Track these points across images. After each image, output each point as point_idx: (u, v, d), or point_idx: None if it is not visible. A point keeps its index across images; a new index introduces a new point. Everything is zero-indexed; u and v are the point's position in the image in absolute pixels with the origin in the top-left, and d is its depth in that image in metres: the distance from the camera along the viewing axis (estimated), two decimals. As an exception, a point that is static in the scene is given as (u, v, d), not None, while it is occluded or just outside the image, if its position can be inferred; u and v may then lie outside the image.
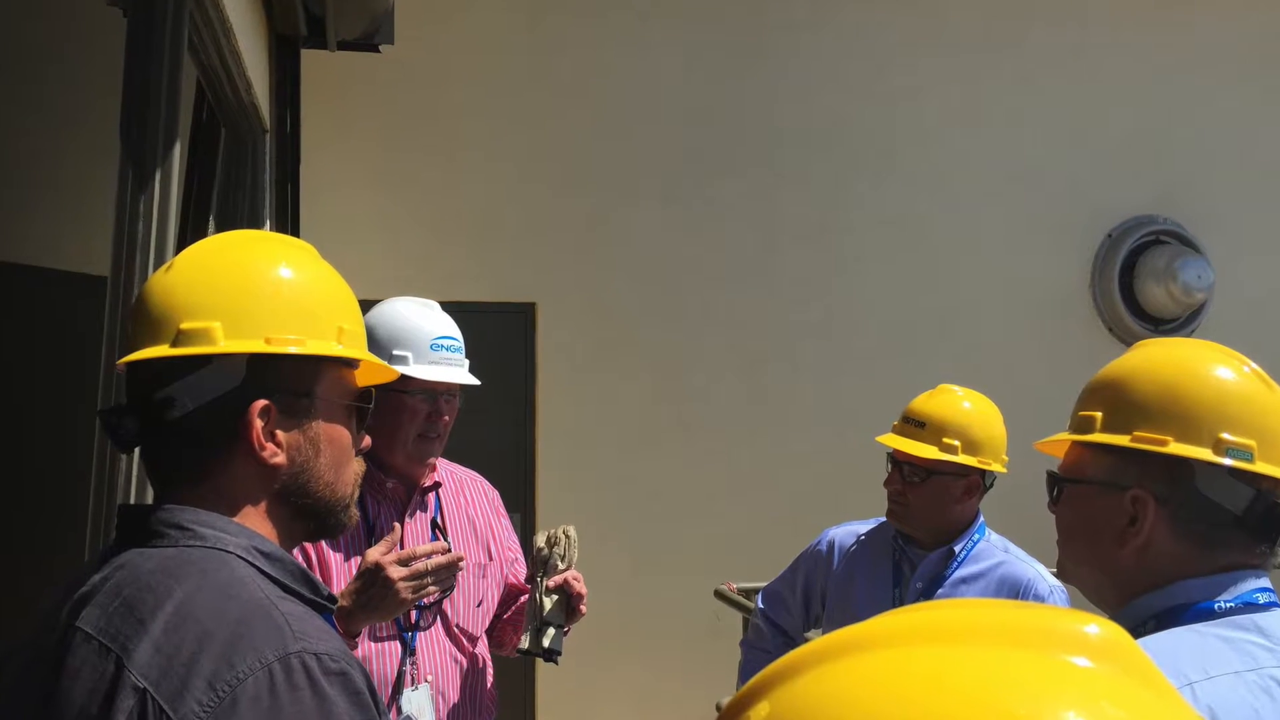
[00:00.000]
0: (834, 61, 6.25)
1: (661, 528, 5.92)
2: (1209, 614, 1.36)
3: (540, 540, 2.52)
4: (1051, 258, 6.49)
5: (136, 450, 1.62)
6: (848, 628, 0.56)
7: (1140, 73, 6.60)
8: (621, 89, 6.02)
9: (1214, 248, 6.61)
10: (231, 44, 2.90)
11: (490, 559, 2.60)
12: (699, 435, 6.02)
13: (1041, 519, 1.71)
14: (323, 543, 2.30)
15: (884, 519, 2.90)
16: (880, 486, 2.86)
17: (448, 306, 2.58)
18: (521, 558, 2.73)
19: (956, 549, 2.79)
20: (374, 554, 2.17)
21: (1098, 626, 0.54)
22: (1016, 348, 6.31)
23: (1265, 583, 1.41)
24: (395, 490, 2.46)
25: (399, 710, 2.33)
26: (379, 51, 4.82)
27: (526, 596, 2.56)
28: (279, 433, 1.34)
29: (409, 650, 2.38)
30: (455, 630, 2.47)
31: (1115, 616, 1.43)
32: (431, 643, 2.43)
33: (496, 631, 2.67)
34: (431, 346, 2.42)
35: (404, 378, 2.29)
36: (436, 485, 2.54)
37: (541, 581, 2.47)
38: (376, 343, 2.35)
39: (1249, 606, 1.37)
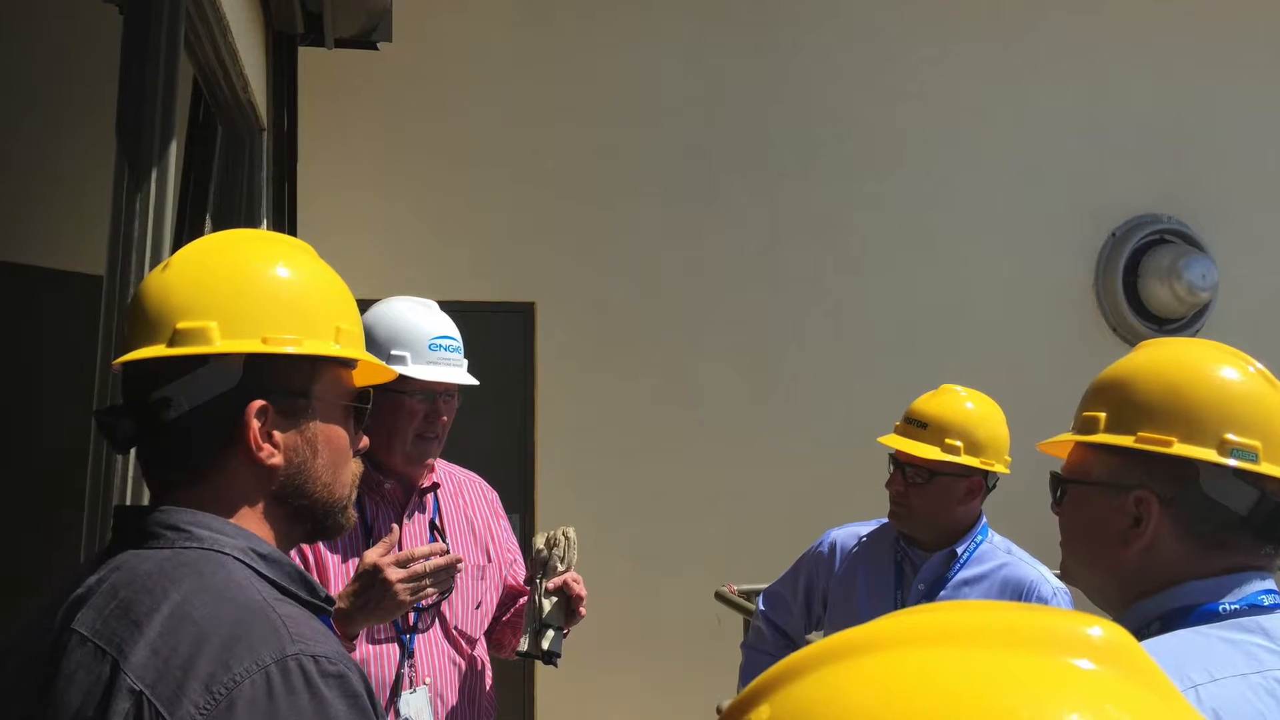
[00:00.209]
0: (836, 58, 6.24)
1: (662, 529, 5.91)
2: (1213, 616, 1.35)
3: (539, 542, 2.51)
4: (1055, 256, 6.48)
5: (132, 451, 1.61)
6: (849, 630, 0.56)
7: (1146, 70, 6.59)
8: (622, 87, 6.01)
9: (1219, 247, 6.60)
10: (228, 42, 2.89)
11: (489, 560, 2.60)
12: (699, 436, 6.01)
13: (1045, 520, 1.70)
14: (320, 544, 2.29)
15: (886, 520, 2.89)
16: (882, 487, 2.85)
17: (446, 306, 2.57)
18: (520, 559, 2.72)
19: (959, 550, 2.78)
20: (372, 555, 2.16)
21: (1101, 629, 0.54)
22: (1019, 347, 6.31)
23: (1270, 584, 1.40)
24: (393, 491, 2.45)
25: (397, 713, 2.32)
26: (377, 49, 4.82)
27: (525, 598, 2.55)
28: (276, 433, 1.34)
29: (407, 652, 2.37)
30: (454, 632, 2.46)
31: (1119, 618, 1.42)
32: (430, 645, 2.42)
33: (495, 634, 2.66)
34: (430, 346, 2.41)
35: (402, 378, 2.28)
36: (435, 486, 2.53)
37: (541, 583, 2.46)
38: (374, 343, 2.35)
39: (1254, 608, 1.36)
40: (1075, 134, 6.51)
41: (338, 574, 2.32)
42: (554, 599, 2.46)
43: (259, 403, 1.32)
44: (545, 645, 2.43)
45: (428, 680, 2.39)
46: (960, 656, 0.52)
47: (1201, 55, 6.65)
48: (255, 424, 1.32)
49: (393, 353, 2.37)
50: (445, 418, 2.45)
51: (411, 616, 2.38)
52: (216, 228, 3.46)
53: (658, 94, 6.03)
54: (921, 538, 2.82)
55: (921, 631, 0.55)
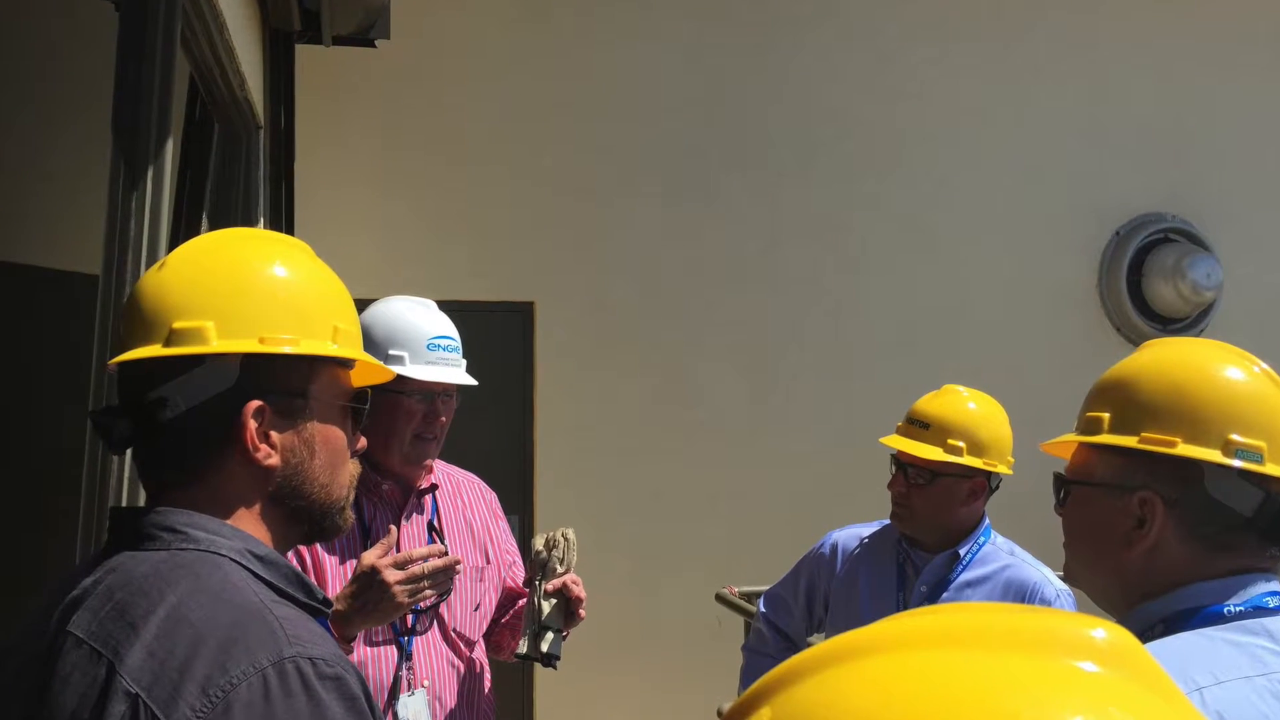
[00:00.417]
0: (836, 58, 6.23)
1: (662, 530, 5.90)
2: (1218, 618, 1.35)
3: (539, 543, 2.50)
4: (1058, 256, 6.48)
5: (128, 451, 1.60)
6: (851, 632, 0.56)
7: (1149, 68, 6.59)
8: (622, 86, 6.01)
9: (1223, 246, 6.59)
10: (225, 39, 2.89)
11: (488, 562, 2.59)
12: (700, 436, 6.00)
13: (1048, 521, 1.69)
14: (318, 546, 2.28)
15: (887, 521, 2.88)
16: (883, 488, 2.84)
17: (445, 305, 2.57)
18: (519, 561, 2.71)
19: (961, 552, 2.77)
20: (370, 557, 2.15)
21: (1105, 631, 0.54)
22: (1022, 347, 6.30)
23: (1275, 586, 1.39)
24: (391, 492, 2.44)
25: (395, 716, 2.31)
26: (375, 47, 4.82)
27: (525, 600, 2.54)
28: (273, 434, 1.33)
29: (405, 655, 2.36)
30: (452, 635, 2.45)
31: (1123, 620, 1.41)
32: (428, 647, 2.41)
33: (494, 636, 2.66)
34: (428, 346, 2.40)
35: (400, 378, 2.28)
36: (433, 487, 2.52)
37: (540, 585, 2.45)
38: (372, 342, 2.34)
39: (1259, 610, 1.35)
40: (1075, 134, 6.50)
41: (335, 576, 2.31)
42: (553, 601, 2.45)
43: (256, 403, 1.31)
44: (544, 647, 2.42)
45: (426, 683, 2.38)
46: (963, 659, 0.52)
47: (1201, 55, 6.64)
48: (252, 424, 1.31)
49: (391, 353, 2.36)
50: (444, 418, 2.44)
51: (410, 619, 2.37)
52: (213, 226, 3.45)
53: (657, 93, 6.03)
54: (924, 539, 2.81)
55: (924, 634, 0.54)
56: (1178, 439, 1.39)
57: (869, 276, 6.25)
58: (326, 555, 2.32)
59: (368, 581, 2.13)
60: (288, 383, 1.35)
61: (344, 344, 1.39)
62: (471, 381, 2.46)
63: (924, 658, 0.53)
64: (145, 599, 1.21)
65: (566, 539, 2.50)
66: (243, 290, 1.34)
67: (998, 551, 2.79)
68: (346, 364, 1.42)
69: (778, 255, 6.15)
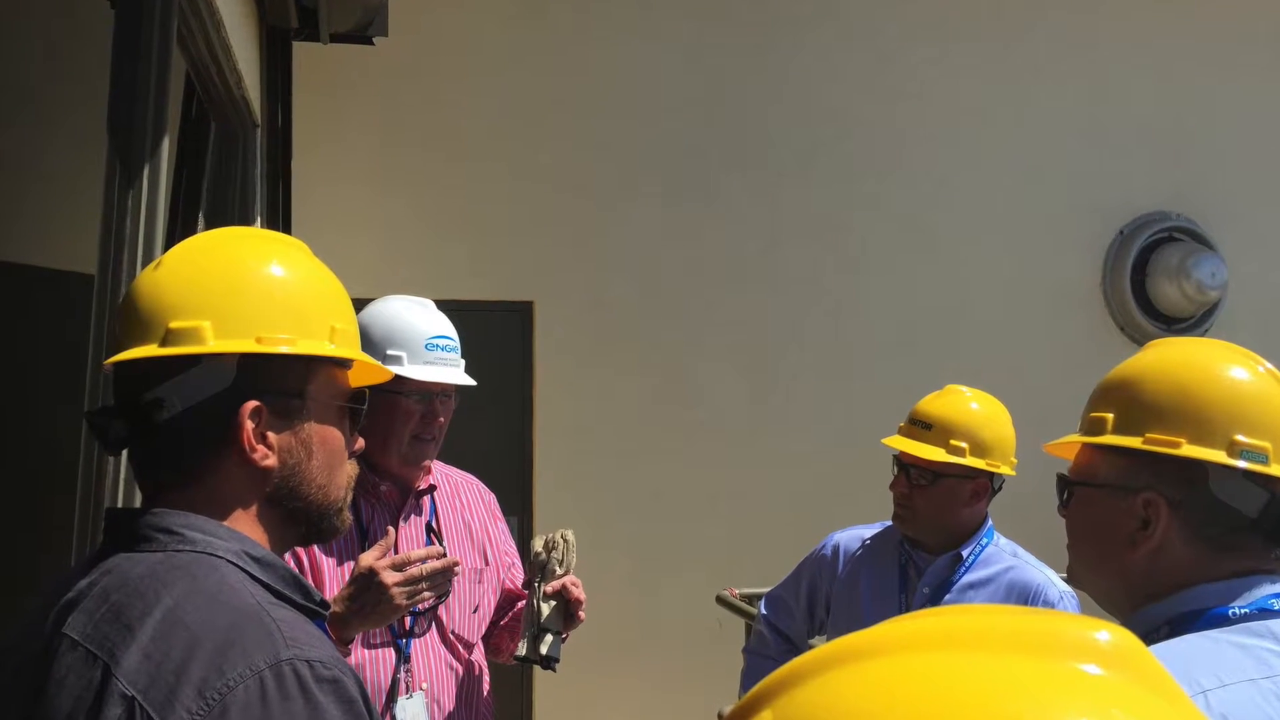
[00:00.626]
0: (836, 58, 6.23)
1: (662, 531, 5.90)
2: (1223, 620, 1.34)
3: (538, 545, 2.50)
4: (1062, 255, 6.47)
5: (124, 452, 1.59)
6: (853, 634, 0.56)
7: (1152, 67, 6.58)
8: (621, 85, 6.00)
9: (1228, 245, 6.58)
10: (221, 37, 2.88)
11: (486, 564, 2.58)
12: (700, 436, 6.00)
13: (1051, 523, 1.68)
14: (315, 547, 2.27)
15: (889, 523, 2.87)
16: (885, 489, 2.83)
17: (443, 305, 2.56)
18: (519, 562, 2.70)
19: (964, 553, 2.76)
20: (368, 559, 2.14)
21: (1109, 633, 0.54)
22: (1025, 347, 6.29)
23: (1280, 588, 1.38)
24: (389, 493, 2.44)
25: (393, 719, 2.30)
26: (373, 44, 4.81)
27: (524, 602, 2.53)
28: (270, 434, 1.32)
29: (403, 657, 2.35)
30: (451, 637, 2.44)
31: (1127, 622, 1.41)
32: (426, 650, 2.40)
33: (493, 638, 2.65)
34: (426, 346, 2.40)
35: (398, 378, 2.27)
36: (432, 488, 2.52)
37: (539, 587, 2.45)
38: (370, 342, 2.33)
39: (1264, 612, 1.34)
40: (1075, 134, 6.50)
41: (333, 577, 2.30)
42: (552, 603, 2.44)
43: (253, 403, 1.31)
44: (543, 650, 2.42)
45: (424, 685, 2.37)
46: (965, 661, 0.52)
47: (1201, 55, 6.64)
48: (249, 425, 1.31)
49: (389, 353, 2.36)
50: (442, 419, 2.43)
51: (408, 621, 2.36)
52: (209, 225, 3.45)
53: (657, 93, 6.02)
54: (926, 540, 2.80)
55: (926, 636, 0.54)
56: (1182, 440, 1.39)
57: (869, 276, 6.25)
58: (324, 557, 2.31)
59: (366, 583, 2.12)
60: (285, 383, 1.34)
61: (341, 344, 1.38)
62: (470, 382, 2.46)
63: (926, 660, 0.53)
64: (141, 601, 1.20)
65: (566, 540, 2.49)
66: (239, 290, 1.33)
67: (1001, 553, 2.78)
68: (344, 364, 1.42)
69: (778, 255, 6.14)
